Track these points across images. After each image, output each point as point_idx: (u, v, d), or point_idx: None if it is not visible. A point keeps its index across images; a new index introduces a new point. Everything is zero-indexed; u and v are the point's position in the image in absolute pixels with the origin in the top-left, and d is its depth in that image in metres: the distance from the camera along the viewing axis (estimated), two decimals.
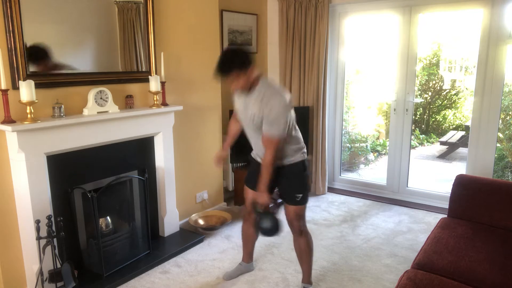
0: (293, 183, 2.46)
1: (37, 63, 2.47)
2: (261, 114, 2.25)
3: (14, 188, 2.45)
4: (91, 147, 2.73)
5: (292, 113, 2.37)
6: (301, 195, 2.45)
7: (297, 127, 2.47)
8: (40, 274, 2.37)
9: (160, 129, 3.18)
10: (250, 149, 2.61)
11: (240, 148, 2.87)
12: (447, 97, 7.30)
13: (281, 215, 2.47)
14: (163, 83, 3.12)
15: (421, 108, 7.24)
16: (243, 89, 2.29)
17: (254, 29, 4.51)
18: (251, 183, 2.62)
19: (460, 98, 7.22)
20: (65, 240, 2.48)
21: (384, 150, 6.22)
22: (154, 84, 3.01)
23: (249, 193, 2.66)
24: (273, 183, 2.49)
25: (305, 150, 2.50)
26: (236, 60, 2.20)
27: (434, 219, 3.78)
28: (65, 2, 2.56)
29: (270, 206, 2.45)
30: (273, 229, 2.41)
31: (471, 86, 5.41)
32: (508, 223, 2.54)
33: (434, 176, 5.75)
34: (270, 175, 2.33)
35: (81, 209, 2.77)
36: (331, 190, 4.67)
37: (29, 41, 2.38)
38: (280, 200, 2.54)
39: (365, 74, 6.24)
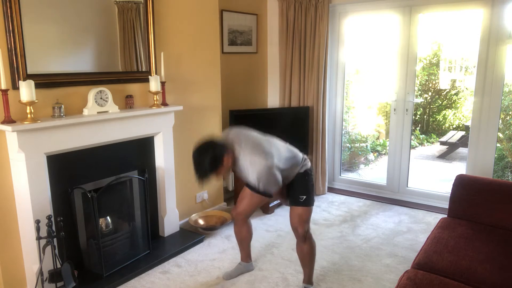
0: (296, 186, 2.49)
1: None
2: (255, 182, 2.28)
3: (14, 188, 2.45)
4: (91, 147, 2.73)
5: (275, 151, 2.33)
6: (304, 196, 2.45)
7: (287, 152, 2.43)
8: (40, 274, 2.37)
9: (160, 129, 3.18)
10: None
11: None
12: (447, 97, 7.30)
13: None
14: (163, 83, 3.12)
15: (421, 108, 7.23)
16: (227, 175, 2.37)
17: (254, 29, 4.51)
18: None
19: (460, 98, 7.22)
20: (65, 240, 2.48)
21: (384, 150, 6.22)
22: (154, 84, 3.00)
23: (246, 195, 2.65)
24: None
25: (306, 162, 2.51)
26: (207, 164, 2.23)
27: (434, 219, 3.78)
28: (65, 2, 2.56)
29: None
30: None
31: (471, 86, 5.41)
32: (508, 223, 2.54)
33: (434, 176, 5.75)
34: (281, 192, 2.54)
35: (81, 209, 2.77)
36: (331, 190, 4.67)
37: (29, 41, 2.38)
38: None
39: (365, 74, 6.23)
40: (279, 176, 2.30)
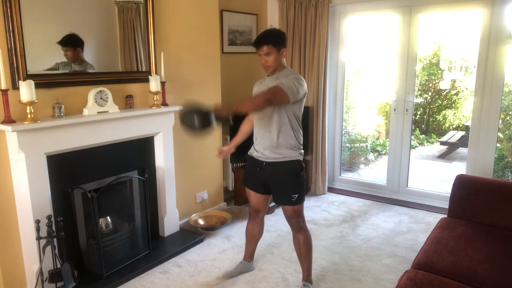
0: (288, 183, 2.46)
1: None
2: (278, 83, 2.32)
3: (14, 188, 2.45)
4: (91, 147, 2.73)
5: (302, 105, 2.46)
6: (296, 195, 2.45)
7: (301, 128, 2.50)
8: (40, 274, 2.37)
9: (160, 129, 3.18)
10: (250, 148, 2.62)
11: (241, 148, 2.87)
12: (447, 97, 7.30)
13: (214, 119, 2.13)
14: (163, 83, 3.12)
15: (421, 108, 7.24)
16: (269, 68, 2.40)
17: (254, 29, 4.51)
18: (251, 185, 2.63)
19: (460, 98, 7.22)
20: (65, 240, 2.48)
21: (384, 150, 6.22)
22: (154, 84, 3.01)
23: (251, 195, 2.66)
24: (267, 183, 2.52)
25: (302, 152, 2.51)
26: (275, 37, 2.38)
27: (434, 219, 3.78)
28: (65, 2, 2.56)
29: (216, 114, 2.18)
30: (198, 127, 2.11)
31: (471, 86, 5.41)
32: (508, 223, 2.54)
33: (434, 176, 5.75)
34: (249, 110, 2.37)
35: (81, 209, 2.77)
36: (331, 190, 4.67)
37: (30, 41, 2.38)
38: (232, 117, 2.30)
39: (365, 74, 6.23)
40: (296, 94, 2.31)
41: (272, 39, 2.35)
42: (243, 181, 2.70)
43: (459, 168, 6.08)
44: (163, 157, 3.24)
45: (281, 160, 2.44)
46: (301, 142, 2.49)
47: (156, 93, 3.02)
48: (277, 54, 2.36)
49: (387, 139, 5.38)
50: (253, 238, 2.84)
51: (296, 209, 2.50)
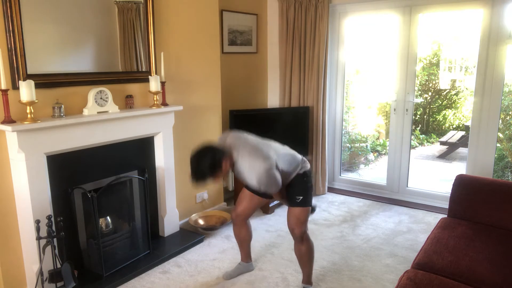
0: (294, 186, 2.48)
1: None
2: (256, 185, 2.29)
3: (14, 188, 2.45)
4: (91, 147, 2.73)
5: (273, 154, 2.33)
6: (301, 197, 2.45)
7: (285, 155, 2.42)
8: (40, 274, 2.37)
9: (160, 129, 3.18)
10: None
11: None
12: (447, 97, 7.30)
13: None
14: (163, 83, 3.12)
15: (421, 108, 7.24)
16: (227, 174, 2.37)
17: (254, 29, 4.51)
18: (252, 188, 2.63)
19: (460, 98, 7.22)
20: (65, 240, 2.48)
21: (384, 150, 6.22)
22: (154, 84, 3.01)
23: (246, 198, 2.65)
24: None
25: (305, 164, 2.50)
26: (206, 168, 2.22)
27: (434, 219, 3.78)
28: (65, 2, 2.56)
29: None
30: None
31: (471, 86, 5.41)
32: (508, 223, 2.54)
33: (434, 176, 5.75)
34: (281, 193, 2.49)
35: (81, 209, 2.77)
36: (331, 190, 4.67)
37: (30, 41, 2.38)
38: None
39: (365, 74, 6.24)
40: (278, 176, 2.29)
41: (210, 171, 2.22)
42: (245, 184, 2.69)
43: (459, 168, 6.07)
44: (163, 157, 3.24)
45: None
46: (293, 164, 2.43)
47: (156, 93, 3.02)
48: (221, 170, 2.26)
49: (387, 139, 5.39)
50: (243, 241, 2.84)
51: (300, 216, 2.47)
